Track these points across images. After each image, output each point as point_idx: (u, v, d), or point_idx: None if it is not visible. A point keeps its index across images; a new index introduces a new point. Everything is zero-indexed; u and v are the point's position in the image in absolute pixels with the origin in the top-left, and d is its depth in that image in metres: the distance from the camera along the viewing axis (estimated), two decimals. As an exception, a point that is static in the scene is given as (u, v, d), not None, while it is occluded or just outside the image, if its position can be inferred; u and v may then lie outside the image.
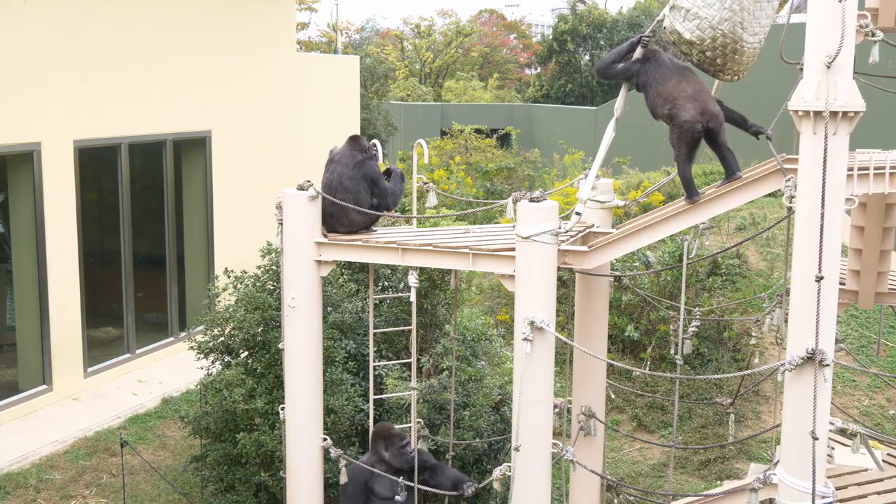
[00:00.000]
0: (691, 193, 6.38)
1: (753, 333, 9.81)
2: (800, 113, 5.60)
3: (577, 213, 6.78)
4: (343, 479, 7.24)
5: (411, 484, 6.97)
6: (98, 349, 12.93)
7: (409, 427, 7.70)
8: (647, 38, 6.46)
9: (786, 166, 6.05)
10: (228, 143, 15.22)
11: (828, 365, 5.64)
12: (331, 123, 18.59)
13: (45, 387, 11.94)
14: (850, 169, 5.82)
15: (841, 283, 7.85)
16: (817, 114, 5.49)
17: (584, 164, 22.22)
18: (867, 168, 5.98)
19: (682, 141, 6.24)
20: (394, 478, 6.98)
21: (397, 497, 6.98)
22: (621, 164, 22.83)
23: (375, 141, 7.18)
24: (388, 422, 7.43)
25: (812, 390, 5.64)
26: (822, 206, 5.48)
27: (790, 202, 5.89)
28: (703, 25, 6.06)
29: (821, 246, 5.50)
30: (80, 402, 12.14)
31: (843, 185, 5.62)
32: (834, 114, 5.45)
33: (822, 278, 5.52)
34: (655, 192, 14.90)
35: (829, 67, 5.43)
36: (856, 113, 5.52)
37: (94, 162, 12.85)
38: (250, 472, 8.76)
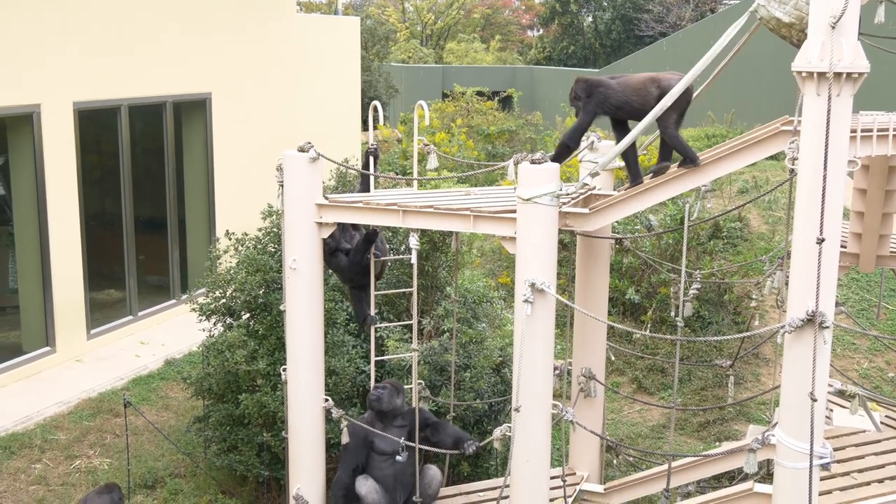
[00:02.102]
0: (693, 157, 6.40)
1: (754, 296, 9.82)
2: (803, 74, 5.57)
3: (586, 183, 6.77)
4: (345, 439, 7.30)
5: (412, 444, 7.02)
6: (100, 311, 12.98)
7: (411, 388, 7.75)
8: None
9: (787, 128, 6.03)
10: (229, 106, 15.16)
11: (828, 327, 5.66)
12: (331, 85, 18.51)
13: (48, 349, 12.00)
14: (854, 131, 5.80)
15: (842, 246, 7.86)
16: (821, 75, 5.46)
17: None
18: (870, 130, 5.96)
19: (674, 107, 6.41)
20: (395, 438, 7.03)
21: (398, 457, 7.04)
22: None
23: (376, 102, 7.16)
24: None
25: (812, 352, 5.66)
26: (825, 168, 5.47)
27: (793, 164, 5.88)
28: (800, 4, 6.00)
29: (822, 208, 5.49)
30: (84, 363, 12.20)
31: (845, 147, 5.61)
32: (838, 75, 5.43)
33: (823, 240, 5.52)
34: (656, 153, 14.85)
35: (833, 28, 5.39)
36: (860, 74, 5.49)
37: (94, 124, 12.81)
38: (253, 433, 8.82)
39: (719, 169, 6.41)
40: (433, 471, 7.34)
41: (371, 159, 7.34)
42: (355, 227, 7.47)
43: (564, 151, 6.75)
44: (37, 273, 11.86)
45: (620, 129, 6.87)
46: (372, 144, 7.36)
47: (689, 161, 6.41)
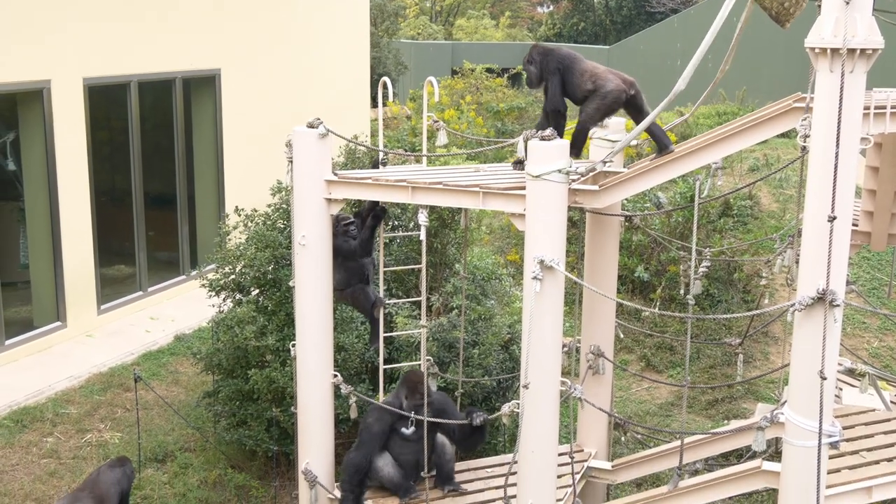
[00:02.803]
0: (577, 152, 6.58)
1: (764, 274, 9.78)
2: (816, 50, 5.52)
3: (604, 162, 6.73)
4: (353, 414, 7.31)
5: (420, 417, 7.03)
6: (111, 287, 13.02)
7: (420, 364, 7.77)
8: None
9: (800, 105, 5.98)
10: (238, 82, 15.13)
11: (838, 305, 5.63)
12: (340, 61, 18.45)
13: (59, 323, 12.05)
14: (867, 108, 5.75)
15: (854, 224, 7.81)
16: (834, 51, 5.41)
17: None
18: (884, 107, 5.90)
19: (602, 110, 6.63)
20: (407, 413, 7.06)
21: (404, 430, 7.07)
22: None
23: (386, 79, 7.13)
24: (420, 371, 7.47)
25: (822, 330, 5.64)
26: (837, 145, 5.43)
27: (805, 141, 5.84)
28: None
29: (834, 186, 5.46)
30: (94, 338, 12.26)
31: (858, 125, 5.56)
32: (851, 51, 5.37)
33: (834, 218, 5.49)
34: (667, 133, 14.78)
35: (847, 3, 5.33)
36: (874, 50, 5.43)
37: (104, 100, 12.80)
38: (262, 408, 8.86)
39: (730, 146, 6.37)
40: (447, 446, 7.34)
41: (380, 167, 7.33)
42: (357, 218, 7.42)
43: (559, 119, 6.73)
44: (47, 248, 11.90)
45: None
46: (382, 158, 7.36)
47: (572, 149, 6.51)
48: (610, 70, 6.74)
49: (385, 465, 7.09)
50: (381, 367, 7.56)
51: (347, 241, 7.26)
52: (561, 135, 6.51)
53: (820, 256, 5.59)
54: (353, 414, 7.33)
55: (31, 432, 9.75)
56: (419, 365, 7.77)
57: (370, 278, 7.44)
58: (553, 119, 6.70)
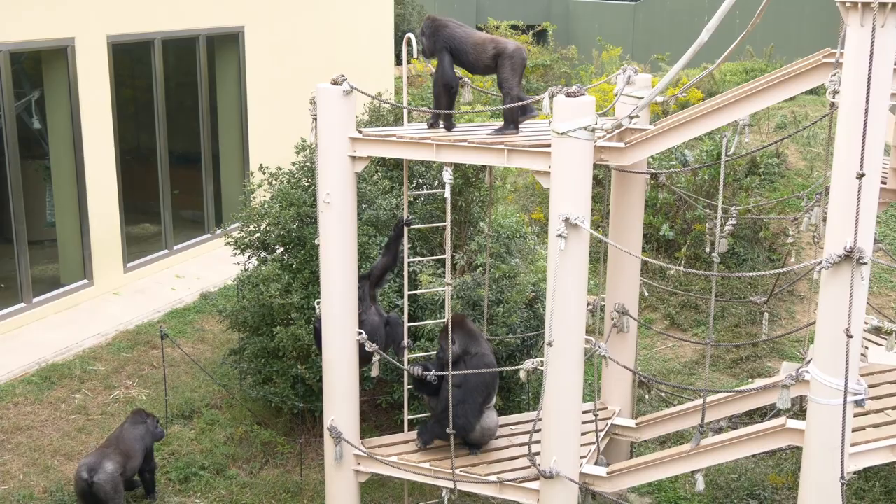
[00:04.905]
0: (514, 120, 6.71)
1: (791, 232, 9.71)
2: (847, 4, 5.43)
3: (630, 118, 6.68)
4: (374, 372, 7.34)
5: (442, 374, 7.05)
6: (136, 245, 13.11)
7: (444, 322, 7.79)
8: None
9: (829, 61, 5.90)
10: (262, 39, 15.08)
11: (865, 263, 5.59)
12: (364, 18, 18.33)
13: (85, 281, 12.16)
14: (898, 63, 5.66)
15: (882, 182, 7.72)
16: (865, 5, 5.32)
17: (621, 60, 21.80)
18: (915, 62, 5.81)
19: (516, 70, 6.79)
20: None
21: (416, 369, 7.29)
22: (659, 61, 22.39)
23: (410, 35, 7.07)
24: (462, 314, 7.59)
25: (848, 288, 5.61)
26: (867, 101, 5.35)
27: (834, 98, 5.76)
28: None
29: (863, 142, 5.39)
30: (121, 296, 12.37)
31: (889, 80, 5.48)
32: (883, 5, 5.28)
33: (863, 175, 5.44)
34: (693, 89, 14.63)
35: (879, -44, 5.23)
36: (906, 4, 5.34)
37: (128, 58, 12.80)
38: (287, 365, 8.93)
39: (758, 102, 6.31)
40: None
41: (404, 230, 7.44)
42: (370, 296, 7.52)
43: (450, 92, 6.97)
44: (73, 207, 11.98)
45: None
46: (408, 218, 7.47)
47: (504, 125, 6.74)
48: (498, 36, 7.09)
49: None
50: (406, 325, 7.58)
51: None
52: (450, 108, 6.90)
53: (848, 214, 5.54)
54: (375, 372, 7.36)
55: (60, 389, 9.89)
56: (442, 323, 7.79)
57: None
58: (445, 93, 6.95)
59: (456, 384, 7.03)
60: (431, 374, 7.15)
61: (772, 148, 13.86)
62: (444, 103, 6.92)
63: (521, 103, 6.75)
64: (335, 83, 6.60)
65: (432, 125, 7.03)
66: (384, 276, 7.60)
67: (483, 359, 7.21)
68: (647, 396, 8.50)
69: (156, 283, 12.90)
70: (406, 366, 7.37)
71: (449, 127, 6.93)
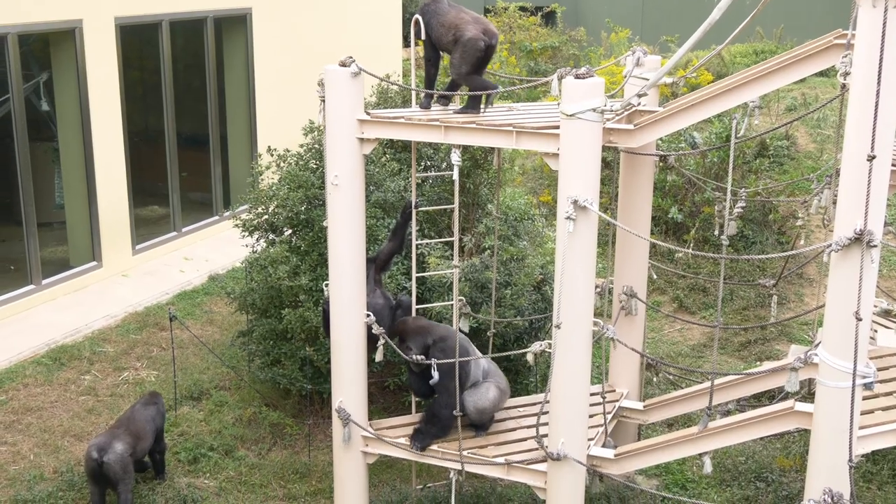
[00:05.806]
0: (475, 106, 6.72)
1: (800, 215, 9.67)
2: (859, -15, 5.38)
3: (638, 96, 6.64)
4: (378, 356, 7.30)
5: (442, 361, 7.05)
6: (145, 227, 13.13)
7: (452, 304, 7.79)
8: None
9: (840, 42, 5.85)
10: (269, 20, 15.04)
11: (875, 246, 5.57)
12: (372, 1, 18.26)
13: (94, 263, 12.19)
14: (910, 44, 5.61)
15: (893, 164, 7.67)
16: (878, -15, 5.27)
17: (630, 42, 21.70)
18: (927, 44, 5.76)
19: (466, 59, 6.73)
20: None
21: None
22: (669, 43, 22.29)
23: (418, 16, 7.04)
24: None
25: (858, 271, 5.59)
26: (878, 82, 5.31)
27: (845, 79, 5.72)
28: None
29: (875, 124, 5.36)
30: (130, 278, 12.40)
31: (900, 62, 5.43)
32: (895, -15, 5.23)
33: (874, 157, 5.40)
34: (703, 71, 14.56)
35: (892, -64, 5.18)
36: (919, -15, 5.29)
37: (136, 40, 12.78)
38: (295, 347, 8.94)
39: (768, 84, 6.26)
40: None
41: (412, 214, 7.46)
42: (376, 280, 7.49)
43: (430, 67, 7.06)
44: (82, 189, 12.00)
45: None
46: (416, 200, 7.50)
47: (468, 105, 6.75)
48: (477, 20, 6.87)
49: None
50: (414, 307, 7.58)
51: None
52: (431, 85, 6.98)
53: (858, 196, 5.51)
54: (379, 357, 7.31)
55: (69, 370, 9.93)
56: (451, 305, 7.79)
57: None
58: (427, 68, 7.06)
59: (431, 378, 7.03)
60: (420, 357, 7.07)
61: (781, 130, 13.80)
62: (430, 77, 7.05)
63: (450, 94, 6.93)
64: (343, 65, 6.58)
65: (424, 106, 7.02)
66: (390, 260, 7.60)
67: (446, 342, 7.12)
68: (654, 379, 8.49)
69: (164, 265, 12.93)
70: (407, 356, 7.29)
71: (444, 104, 7.02)
